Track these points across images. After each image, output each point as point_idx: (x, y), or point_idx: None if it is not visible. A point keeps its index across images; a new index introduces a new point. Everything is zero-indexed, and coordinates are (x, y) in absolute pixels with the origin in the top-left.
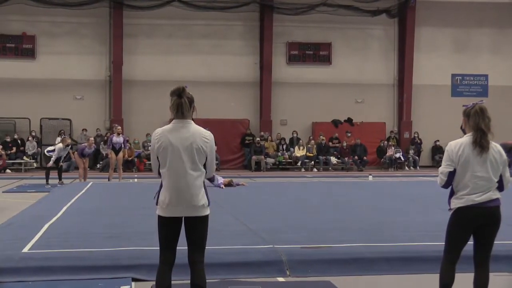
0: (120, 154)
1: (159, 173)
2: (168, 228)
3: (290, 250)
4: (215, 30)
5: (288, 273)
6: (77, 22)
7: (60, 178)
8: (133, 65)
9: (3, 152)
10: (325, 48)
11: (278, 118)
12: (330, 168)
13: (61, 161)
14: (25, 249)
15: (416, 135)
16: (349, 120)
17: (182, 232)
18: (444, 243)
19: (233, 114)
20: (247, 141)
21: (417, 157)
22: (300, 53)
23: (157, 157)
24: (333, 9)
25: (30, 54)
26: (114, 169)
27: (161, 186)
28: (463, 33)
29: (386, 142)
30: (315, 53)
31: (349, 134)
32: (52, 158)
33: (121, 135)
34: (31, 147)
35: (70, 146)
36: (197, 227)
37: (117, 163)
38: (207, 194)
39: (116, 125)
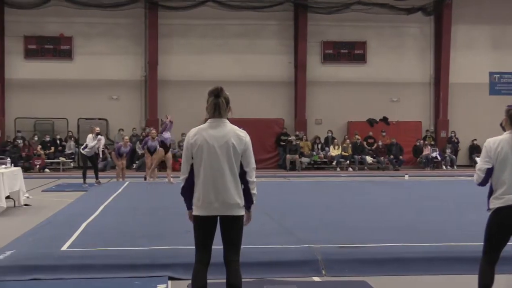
0: (155, 155)
1: (188, 176)
2: (203, 227)
3: (326, 249)
4: (249, 29)
5: (324, 272)
6: (113, 23)
7: (96, 177)
8: (168, 65)
9: (42, 152)
10: (360, 47)
11: (313, 118)
12: (365, 168)
13: (99, 158)
14: (64, 247)
15: (453, 134)
16: (384, 119)
17: (218, 231)
18: (482, 244)
19: (267, 114)
20: (282, 142)
21: (454, 156)
22: (334, 52)
23: (192, 156)
24: (368, 8)
25: (67, 55)
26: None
27: (189, 187)
28: (500, 30)
29: (422, 141)
30: (349, 52)
31: (383, 133)
32: (86, 149)
33: (156, 138)
34: (69, 147)
35: (100, 135)
36: (233, 227)
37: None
38: (244, 195)
39: (152, 128)
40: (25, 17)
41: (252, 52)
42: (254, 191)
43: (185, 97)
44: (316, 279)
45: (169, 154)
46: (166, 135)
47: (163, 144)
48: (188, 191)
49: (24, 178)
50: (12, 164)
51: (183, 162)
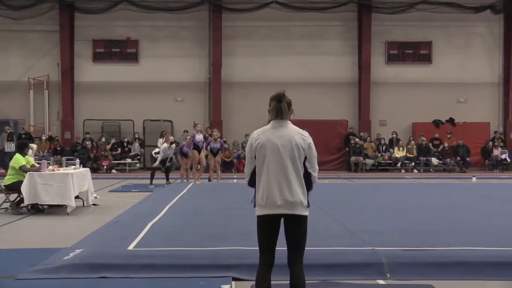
0: (218, 157)
1: (251, 178)
2: (267, 228)
3: (390, 252)
4: (313, 30)
5: (388, 275)
6: (178, 26)
7: (167, 178)
8: (231, 67)
9: (109, 153)
10: (425, 47)
11: (377, 119)
12: (431, 170)
13: (168, 161)
14: (130, 247)
15: None
16: (450, 120)
17: (281, 233)
18: None
19: (331, 115)
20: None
21: None
22: (399, 52)
23: (254, 156)
24: (434, 7)
25: (133, 58)
26: (212, 170)
27: (255, 187)
28: None
29: (491, 142)
30: (415, 52)
31: (449, 135)
32: (158, 159)
33: (218, 140)
34: (134, 148)
35: (174, 144)
36: (297, 227)
37: (215, 165)
38: (307, 195)
39: (215, 130)
40: (93, 22)
41: (315, 53)
42: (314, 183)
43: (248, 98)
44: (381, 282)
45: (202, 155)
46: (199, 138)
47: (195, 146)
48: (253, 184)
49: (92, 178)
50: (81, 165)
51: (246, 164)
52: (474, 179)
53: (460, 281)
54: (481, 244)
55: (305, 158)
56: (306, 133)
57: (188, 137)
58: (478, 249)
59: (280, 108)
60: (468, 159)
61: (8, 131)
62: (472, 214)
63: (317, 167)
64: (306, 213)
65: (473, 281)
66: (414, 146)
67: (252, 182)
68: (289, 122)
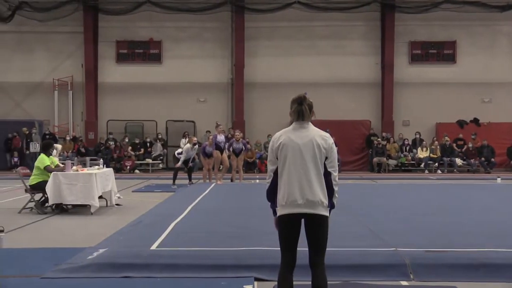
0: (241, 156)
1: (274, 178)
2: (288, 228)
3: (413, 253)
4: (335, 30)
5: (411, 277)
6: (201, 27)
7: (190, 179)
8: (254, 68)
9: (132, 153)
10: (449, 47)
11: (400, 119)
12: (455, 170)
13: (190, 161)
14: (153, 247)
15: None
16: (475, 121)
17: (303, 234)
18: None
19: (354, 115)
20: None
21: None
22: (423, 52)
23: (276, 157)
24: (458, 6)
25: (156, 58)
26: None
27: (275, 190)
28: None
29: None
30: (438, 52)
31: (473, 136)
32: (181, 159)
33: (240, 140)
34: (155, 148)
35: (197, 144)
36: (318, 228)
37: (238, 165)
38: (328, 197)
39: (238, 131)
40: (117, 23)
41: (338, 53)
42: (336, 194)
43: (271, 99)
44: (404, 283)
45: (225, 156)
46: (220, 138)
47: (217, 147)
48: (273, 194)
49: (115, 178)
50: (105, 165)
51: (268, 165)
52: (499, 180)
53: (483, 283)
54: (505, 246)
55: (326, 158)
56: (327, 134)
57: (211, 137)
58: (503, 251)
59: (301, 110)
60: (493, 159)
61: (27, 132)
62: (496, 216)
63: (337, 167)
64: (326, 213)
65: (497, 283)
66: (438, 147)
67: (270, 196)
68: (311, 123)
